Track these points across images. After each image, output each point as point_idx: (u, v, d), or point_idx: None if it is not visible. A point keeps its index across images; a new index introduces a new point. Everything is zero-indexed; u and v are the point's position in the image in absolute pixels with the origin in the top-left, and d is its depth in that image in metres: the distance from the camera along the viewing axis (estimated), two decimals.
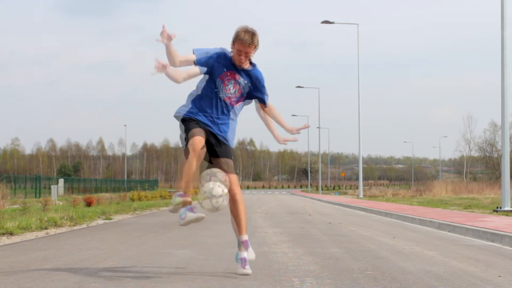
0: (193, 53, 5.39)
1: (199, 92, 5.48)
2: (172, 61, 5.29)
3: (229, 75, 5.40)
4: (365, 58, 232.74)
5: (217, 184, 5.20)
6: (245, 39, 5.24)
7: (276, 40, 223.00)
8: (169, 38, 5.17)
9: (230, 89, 5.42)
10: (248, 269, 5.44)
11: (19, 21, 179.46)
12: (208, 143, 5.38)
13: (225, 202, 5.22)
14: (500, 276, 5.60)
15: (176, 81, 5.40)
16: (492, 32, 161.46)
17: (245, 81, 5.45)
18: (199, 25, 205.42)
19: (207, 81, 5.44)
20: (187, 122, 5.41)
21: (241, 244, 5.47)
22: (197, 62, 5.37)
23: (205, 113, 5.42)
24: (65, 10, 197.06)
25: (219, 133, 5.44)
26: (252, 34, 5.28)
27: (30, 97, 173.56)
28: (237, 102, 5.48)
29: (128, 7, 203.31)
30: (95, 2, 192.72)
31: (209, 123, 5.42)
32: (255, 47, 5.33)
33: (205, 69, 5.40)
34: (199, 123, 5.38)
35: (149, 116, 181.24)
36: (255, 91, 5.53)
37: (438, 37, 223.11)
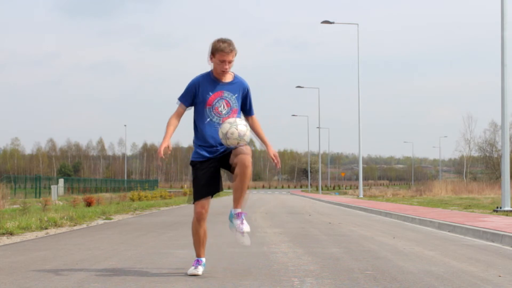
0: (179, 102, 5.47)
1: (197, 126, 5.47)
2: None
3: (217, 96, 5.38)
4: (365, 58, 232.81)
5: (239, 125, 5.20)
6: (224, 47, 5.26)
7: (276, 40, 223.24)
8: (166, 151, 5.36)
9: (222, 111, 5.39)
10: (246, 225, 5.34)
11: (19, 21, 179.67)
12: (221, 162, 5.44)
13: (248, 132, 5.21)
14: (500, 276, 5.60)
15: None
16: (492, 32, 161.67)
17: (232, 95, 5.40)
18: (199, 25, 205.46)
19: (198, 113, 5.43)
20: (194, 171, 5.44)
21: (235, 216, 5.38)
22: (188, 106, 5.47)
23: (209, 147, 5.41)
24: (65, 10, 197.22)
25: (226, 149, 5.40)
26: (228, 41, 5.32)
27: (30, 97, 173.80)
28: (233, 114, 5.42)
29: (128, 7, 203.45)
30: (95, 2, 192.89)
31: (215, 155, 5.40)
32: (235, 53, 5.34)
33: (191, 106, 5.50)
34: (207, 166, 5.39)
35: (149, 116, 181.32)
36: (244, 101, 5.51)
37: (438, 37, 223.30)
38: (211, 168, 5.42)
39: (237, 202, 5.37)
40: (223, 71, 5.35)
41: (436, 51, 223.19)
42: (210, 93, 5.39)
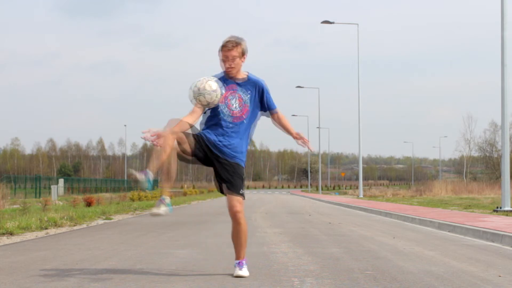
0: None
1: (206, 122, 5.42)
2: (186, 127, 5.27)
3: (230, 92, 5.35)
4: (365, 58, 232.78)
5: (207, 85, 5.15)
6: (226, 43, 5.27)
7: (276, 40, 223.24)
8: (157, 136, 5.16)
9: (235, 105, 5.35)
10: (244, 271, 5.38)
11: (19, 21, 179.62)
12: (215, 171, 5.38)
13: (217, 98, 5.16)
14: (500, 276, 5.60)
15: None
16: (492, 32, 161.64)
17: (245, 91, 5.38)
18: (199, 25, 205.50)
19: (211, 110, 5.37)
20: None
21: (236, 265, 5.43)
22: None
23: (212, 140, 5.35)
24: (65, 10, 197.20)
25: (226, 151, 5.33)
26: (234, 38, 5.31)
27: (30, 97, 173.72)
28: (242, 113, 5.37)
29: (128, 7, 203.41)
30: (95, 2, 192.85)
31: (214, 149, 5.34)
32: (241, 52, 5.29)
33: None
34: (205, 142, 5.33)
35: (149, 116, 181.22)
36: (261, 99, 5.43)
37: (438, 37, 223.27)
38: (209, 151, 5.31)
39: (238, 254, 5.43)
40: (228, 68, 5.31)
41: (436, 51, 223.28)
42: (223, 91, 5.35)
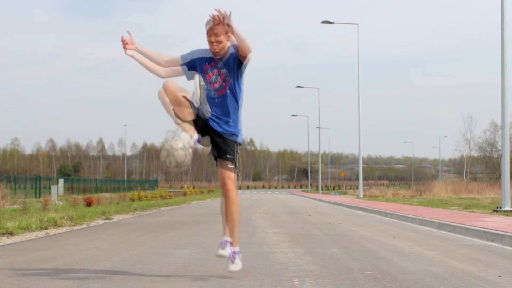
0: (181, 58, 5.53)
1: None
2: (156, 63, 5.63)
3: (214, 72, 5.40)
4: (365, 58, 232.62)
5: (179, 139, 5.15)
6: (210, 22, 5.24)
7: (276, 40, 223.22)
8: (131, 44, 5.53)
9: (217, 84, 5.39)
10: (237, 264, 5.31)
11: (19, 21, 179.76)
12: (212, 141, 5.43)
13: (188, 156, 5.16)
14: (500, 276, 5.60)
15: (156, 74, 5.70)
16: (492, 32, 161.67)
17: (226, 66, 5.37)
18: (199, 26, 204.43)
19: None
20: None
21: (221, 245, 5.41)
22: (182, 57, 5.49)
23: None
24: (65, 10, 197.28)
25: (220, 130, 5.39)
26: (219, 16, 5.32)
27: (30, 97, 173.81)
28: (225, 88, 5.40)
29: (129, 7, 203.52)
30: (96, 2, 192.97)
31: (212, 122, 5.41)
32: (226, 30, 5.27)
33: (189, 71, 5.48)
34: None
35: (149, 116, 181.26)
36: (235, 57, 5.38)
37: (438, 37, 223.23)
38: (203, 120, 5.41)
39: (228, 231, 5.41)
40: (213, 51, 5.33)
41: (436, 51, 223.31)
42: (209, 72, 5.43)
